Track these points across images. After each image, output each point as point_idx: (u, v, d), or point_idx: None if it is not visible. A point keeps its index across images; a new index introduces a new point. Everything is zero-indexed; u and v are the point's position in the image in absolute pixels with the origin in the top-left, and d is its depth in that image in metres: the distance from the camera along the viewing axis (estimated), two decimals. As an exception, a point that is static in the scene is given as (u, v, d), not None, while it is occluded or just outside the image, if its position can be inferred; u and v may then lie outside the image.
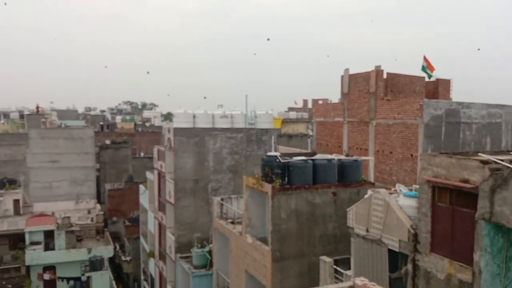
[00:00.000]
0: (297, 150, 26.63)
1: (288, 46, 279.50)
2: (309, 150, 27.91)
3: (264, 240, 17.87)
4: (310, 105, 65.55)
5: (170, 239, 28.42)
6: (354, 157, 18.81)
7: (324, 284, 13.50)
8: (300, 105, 67.02)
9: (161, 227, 31.32)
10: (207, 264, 25.65)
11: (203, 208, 27.70)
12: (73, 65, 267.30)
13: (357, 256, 13.21)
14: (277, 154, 17.50)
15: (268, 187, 16.35)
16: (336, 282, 13.77)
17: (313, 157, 17.88)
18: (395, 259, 12.36)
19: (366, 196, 13.54)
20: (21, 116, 65.03)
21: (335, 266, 14.12)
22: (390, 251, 12.36)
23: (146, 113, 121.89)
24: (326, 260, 14.08)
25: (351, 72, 23.72)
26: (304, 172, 16.63)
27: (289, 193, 16.48)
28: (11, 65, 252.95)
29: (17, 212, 48.59)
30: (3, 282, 43.11)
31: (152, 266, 34.38)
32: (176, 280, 28.33)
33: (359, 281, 10.09)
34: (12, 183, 48.65)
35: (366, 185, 17.56)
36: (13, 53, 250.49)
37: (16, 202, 48.81)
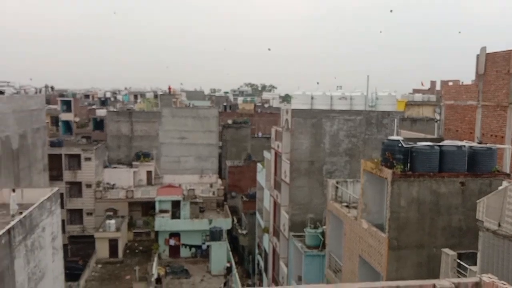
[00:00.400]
0: (422, 135, 25.07)
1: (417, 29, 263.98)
2: (435, 136, 26.04)
3: (380, 227, 17.31)
4: (438, 87, 60.93)
5: (284, 217, 29.08)
6: (488, 145, 17.06)
7: (445, 278, 12.65)
8: (427, 86, 62.60)
9: (276, 205, 32.18)
10: (320, 245, 25.76)
11: (317, 190, 27.73)
12: (200, 54, 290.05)
13: (485, 252, 12.09)
14: (400, 138, 16.65)
15: (388, 173, 15.69)
16: (458, 277, 12.83)
17: (440, 143, 16.65)
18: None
19: (500, 187, 12.24)
20: (155, 96, 71.53)
21: (458, 260, 13.12)
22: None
23: (265, 95, 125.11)
24: (449, 253, 13.15)
25: (489, 50, 21.41)
26: (429, 158, 15.58)
27: (411, 180, 15.61)
28: (145, 54, 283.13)
29: (149, 182, 54.00)
30: (136, 244, 48.54)
31: (266, 242, 35.62)
32: (289, 257, 28.99)
33: (486, 278, 9.26)
34: (146, 156, 54.12)
35: (500, 176, 15.86)
36: (151, 45, 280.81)
37: (148, 173, 54.26)
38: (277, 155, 31.69)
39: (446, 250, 13.51)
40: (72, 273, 36.68)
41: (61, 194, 30.55)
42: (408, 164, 15.75)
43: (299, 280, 26.53)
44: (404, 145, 15.65)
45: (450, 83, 38.83)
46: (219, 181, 55.89)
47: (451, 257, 13.09)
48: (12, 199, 23.31)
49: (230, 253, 43.72)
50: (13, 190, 24.57)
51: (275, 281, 32.54)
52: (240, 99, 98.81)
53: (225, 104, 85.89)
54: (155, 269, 39.71)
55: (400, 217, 15.89)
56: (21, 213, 21.65)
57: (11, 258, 19.08)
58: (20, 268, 19.91)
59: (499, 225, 11.60)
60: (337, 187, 21.79)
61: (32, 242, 21.70)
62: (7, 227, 18.99)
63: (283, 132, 29.24)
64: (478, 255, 12.35)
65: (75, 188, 48.36)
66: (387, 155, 15.96)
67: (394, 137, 17.28)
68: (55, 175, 45.74)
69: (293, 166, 27.67)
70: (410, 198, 15.88)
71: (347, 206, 20.50)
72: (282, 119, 30.55)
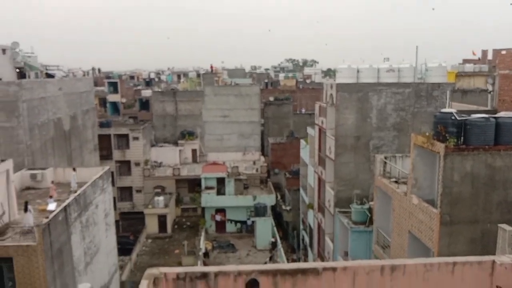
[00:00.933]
0: (474, 107, 23.93)
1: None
2: (488, 107, 24.78)
3: (431, 202, 16.82)
4: (490, 57, 57.66)
5: (330, 193, 28.87)
6: (548, 116, 16.02)
7: (502, 254, 12.16)
8: (478, 56, 59.39)
9: (320, 181, 31.97)
10: (366, 221, 25.47)
11: (363, 165, 27.26)
12: (240, 33, 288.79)
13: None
14: (453, 110, 15.93)
15: (440, 147, 15.11)
16: (517, 254, 12.28)
17: (495, 115, 15.80)
18: None
19: None
20: (198, 75, 72.11)
21: (517, 237, 12.54)
22: None
23: (307, 70, 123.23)
24: (506, 229, 12.59)
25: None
26: (484, 131, 14.85)
27: (465, 154, 14.97)
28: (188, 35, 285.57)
29: (194, 160, 55.06)
30: (183, 220, 49.94)
31: (311, 217, 35.63)
32: (335, 233, 28.90)
33: (551, 256, 8.80)
34: (190, 134, 55.07)
35: (561, 147, 14.92)
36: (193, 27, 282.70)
37: (193, 151, 55.27)
38: (321, 131, 31.30)
39: (503, 225, 12.94)
40: (124, 247, 38.32)
41: (112, 173, 31.65)
42: (462, 138, 15.09)
43: (345, 255, 26.46)
44: (458, 118, 14.96)
45: (504, 52, 36.43)
46: (262, 158, 56.13)
47: (508, 232, 12.54)
48: (73, 178, 24.43)
49: (275, 228, 44.17)
50: (74, 169, 25.74)
51: (321, 256, 32.63)
52: (281, 76, 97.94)
53: (266, 81, 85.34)
54: (203, 244, 40.82)
55: (452, 192, 15.35)
56: (75, 191, 22.66)
57: (68, 234, 20.07)
58: (76, 243, 20.94)
59: None
60: (385, 162, 21.29)
61: (87, 218, 22.72)
62: (64, 204, 19.93)
63: (328, 108, 28.75)
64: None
65: (125, 166, 50.05)
66: (439, 129, 15.35)
67: (447, 110, 16.55)
68: (105, 155, 47.49)
69: (338, 141, 27.26)
70: (464, 172, 15.28)
71: (396, 182, 20.03)
72: (325, 94, 30.02)
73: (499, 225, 13.16)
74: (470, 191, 15.43)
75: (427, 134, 16.51)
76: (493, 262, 8.52)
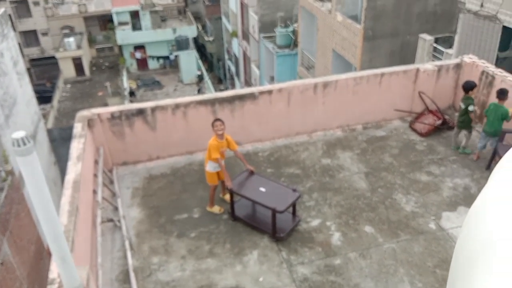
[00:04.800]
0: None
1: None
2: None
3: (355, 18, 16.90)
4: None
5: (253, 18, 28.00)
6: None
7: (421, 63, 12.97)
8: None
9: (243, 6, 30.63)
10: (291, 44, 25.57)
11: (286, -14, 26.10)
12: None
13: (463, 34, 12.13)
14: None
15: (366, -43, 14.51)
16: (433, 61, 13.15)
17: None
18: (508, 38, 11.21)
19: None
20: None
21: (435, 44, 13.25)
22: (504, 29, 11.12)
23: None
24: (426, 38, 13.18)
25: None
26: None
27: (390, -37, 14.59)
28: None
29: (101, -7, 49.56)
30: (100, 61, 47.33)
31: (236, 46, 35.16)
32: (260, 59, 29.07)
33: (467, 58, 9.43)
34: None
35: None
36: None
37: (98, -18, 49.33)
38: (239, -51, 28.71)
39: (424, 35, 13.50)
40: (42, 96, 36.24)
41: (9, 16, 27.82)
42: None
43: (272, 80, 27.16)
44: None
45: None
46: (177, -15, 51.79)
47: (428, 42, 13.17)
48: None
49: (200, 61, 43.50)
50: None
51: (248, 83, 33.33)
52: None
53: None
54: (126, 83, 39.73)
55: (376, 5, 15.39)
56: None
57: (-24, 86, 18.30)
58: (-11, 96, 19.32)
59: (482, 5, 11.34)
60: (309, -20, 20.43)
61: (-7, 68, 20.59)
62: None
63: None
64: (456, 37, 12.42)
65: (22, 7, 44.10)
66: None
67: None
68: (-6, -6, 41.15)
69: (259, -40, 25.32)
70: (388, -16, 15.13)
71: (320, 0, 19.60)
72: None
73: (420, 35, 13.70)
74: (393, 3, 15.55)
75: None
76: (417, 70, 8.99)
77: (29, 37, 45.48)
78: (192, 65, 41.83)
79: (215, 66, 46.48)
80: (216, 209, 6.78)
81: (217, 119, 6.45)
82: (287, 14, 25.85)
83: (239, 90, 8.99)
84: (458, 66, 9.23)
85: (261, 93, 8.38)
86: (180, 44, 41.00)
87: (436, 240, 6.24)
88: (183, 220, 6.65)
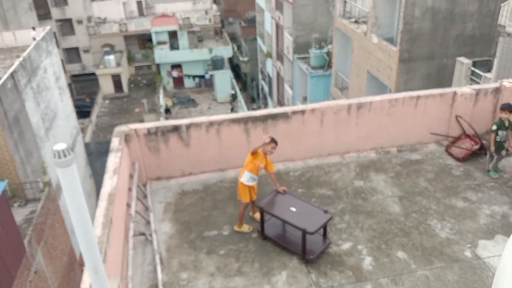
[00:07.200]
0: None
1: None
2: None
3: (390, 40, 16.81)
4: None
5: (288, 39, 28.30)
6: None
7: (458, 86, 12.72)
8: None
9: (278, 28, 31.04)
10: (325, 65, 25.63)
11: (322, 7, 26.31)
12: None
13: (502, 58, 11.84)
14: None
15: (403, -20, 14.49)
16: (471, 84, 12.86)
17: None
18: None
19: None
20: None
21: (473, 68, 12.98)
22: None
23: None
24: (464, 62, 12.93)
25: None
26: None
27: (428, -14, 14.51)
28: None
29: (141, 13, 51.44)
30: (138, 78, 48.76)
31: (270, 66, 35.52)
32: (294, 80, 29.22)
33: (507, 82, 9.17)
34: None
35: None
36: None
37: (139, 3, 51.29)
38: (276, -28, 29.24)
39: (461, 58, 13.27)
40: (81, 111, 37.70)
41: (54, 34, 29.24)
42: (426, -31, 14.43)
43: (304, 100, 27.21)
44: None
45: None
46: (214, 6, 53.12)
47: (466, 65, 12.92)
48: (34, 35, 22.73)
49: (234, 80, 44.13)
50: (33, 29, 23.54)
51: (280, 103, 33.49)
52: None
53: None
54: (163, 101, 40.69)
55: (413, 28, 15.28)
56: (18, 56, 20.98)
57: (21, 101, 19.18)
58: (32, 110, 20.20)
59: (523, 28, 11.07)
60: (345, 2, 20.53)
61: (38, 84, 21.57)
62: (9, 71, 18.59)
63: None
64: (495, 61, 12.14)
65: (67, 25, 46.32)
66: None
67: None
68: (42, 14, 43.33)
69: (295, -17, 25.70)
70: (425, 7, 15.02)
71: (355, 22, 19.63)
72: None
73: (457, 58, 13.47)
74: (430, 27, 15.40)
75: (390, -33, 15.67)
76: (455, 93, 8.80)
77: (72, 54, 47.52)
78: (226, 84, 42.49)
79: (249, 85, 47.02)
80: (245, 228, 6.76)
81: (274, 141, 6.41)
82: (321, 36, 25.99)
83: (272, 109, 9.03)
84: (497, 90, 8.98)
85: (294, 112, 8.38)
86: (216, 63, 41.81)
87: (472, 269, 6.00)
88: (213, 237, 6.67)
